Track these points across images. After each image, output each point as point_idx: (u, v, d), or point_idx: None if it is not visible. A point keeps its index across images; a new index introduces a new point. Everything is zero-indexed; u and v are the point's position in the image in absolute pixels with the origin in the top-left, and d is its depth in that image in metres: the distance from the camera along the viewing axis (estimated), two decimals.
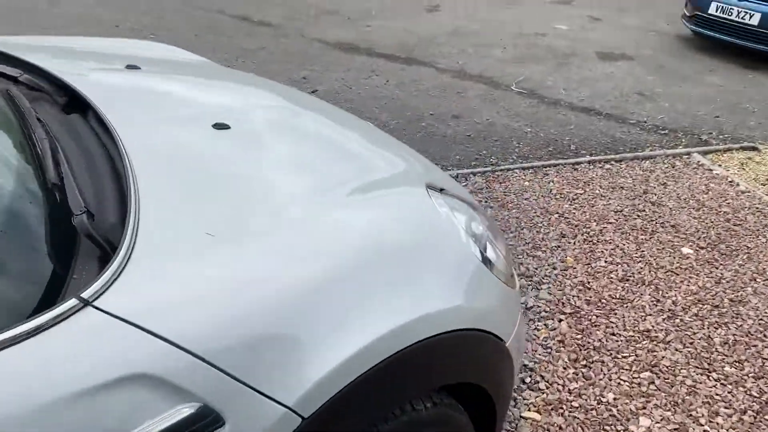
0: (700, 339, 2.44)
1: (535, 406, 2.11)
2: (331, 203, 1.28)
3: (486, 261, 1.40)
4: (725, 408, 2.14)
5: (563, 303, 2.62)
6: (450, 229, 1.37)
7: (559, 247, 3.01)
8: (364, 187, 1.35)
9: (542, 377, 2.23)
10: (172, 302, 0.95)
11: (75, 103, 1.48)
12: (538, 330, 2.47)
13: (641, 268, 2.87)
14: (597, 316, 2.55)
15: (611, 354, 2.35)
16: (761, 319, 2.56)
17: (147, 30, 5.94)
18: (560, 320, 2.52)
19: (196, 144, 1.38)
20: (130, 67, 1.74)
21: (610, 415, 2.09)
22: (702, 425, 2.07)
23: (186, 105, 1.56)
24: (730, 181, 3.76)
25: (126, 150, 1.23)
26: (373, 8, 7.41)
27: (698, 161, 4.02)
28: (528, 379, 2.22)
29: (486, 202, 3.40)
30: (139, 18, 6.23)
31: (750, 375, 2.28)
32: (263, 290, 1.04)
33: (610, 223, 3.24)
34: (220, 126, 1.45)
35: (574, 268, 2.85)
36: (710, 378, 2.26)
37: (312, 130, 1.62)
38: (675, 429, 2.05)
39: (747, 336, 2.47)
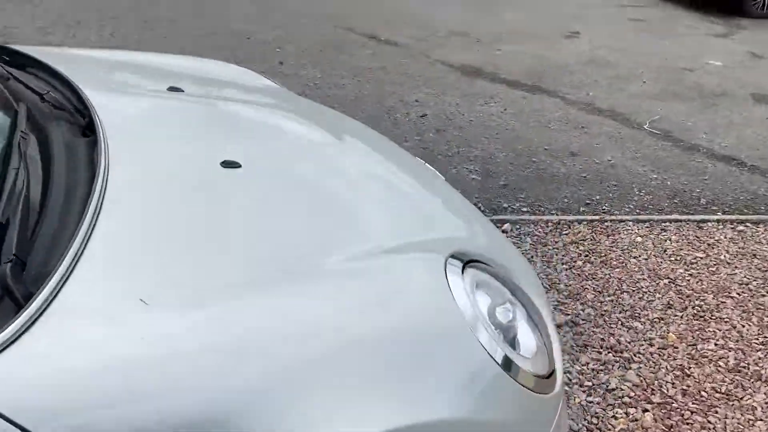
0: None
1: None
2: (308, 271, 1.08)
3: (507, 363, 1.13)
4: None
5: (653, 389, 2.23)
6: (462, 319, 1.12)
7: (662, 319, 2.61)
8: (356, 255, 1.13)
9: None
10: (64, 388, 0.80)
11: (93, 125, 1.40)
12: (616, 418, 2.11)
13: (760, 358, 2.40)
14: (692, 412, 2.14)
15: None
16: None
17: (275, 43, 6.07)
18: (645, 410, 2.14)
19: (192, 183, 1.24)
20: (172, 89, 1.65)
21: None
22: None
23: (204, 136, 1.43)
24: None
25: (105, 189, 1.11)
26: (507, 31, 7.12)
27: None
28: None
29: (586, 256, 3.04)
30: (271, 32, 6.38)
31: None
32: (190, 382, 0.87)
33: (731, 297, 2.77)
34: (229, 164, 1.30)
35: (676, 347, 2.44)
36: None
37: (338, 178, 1.42)
38: None
39: None
